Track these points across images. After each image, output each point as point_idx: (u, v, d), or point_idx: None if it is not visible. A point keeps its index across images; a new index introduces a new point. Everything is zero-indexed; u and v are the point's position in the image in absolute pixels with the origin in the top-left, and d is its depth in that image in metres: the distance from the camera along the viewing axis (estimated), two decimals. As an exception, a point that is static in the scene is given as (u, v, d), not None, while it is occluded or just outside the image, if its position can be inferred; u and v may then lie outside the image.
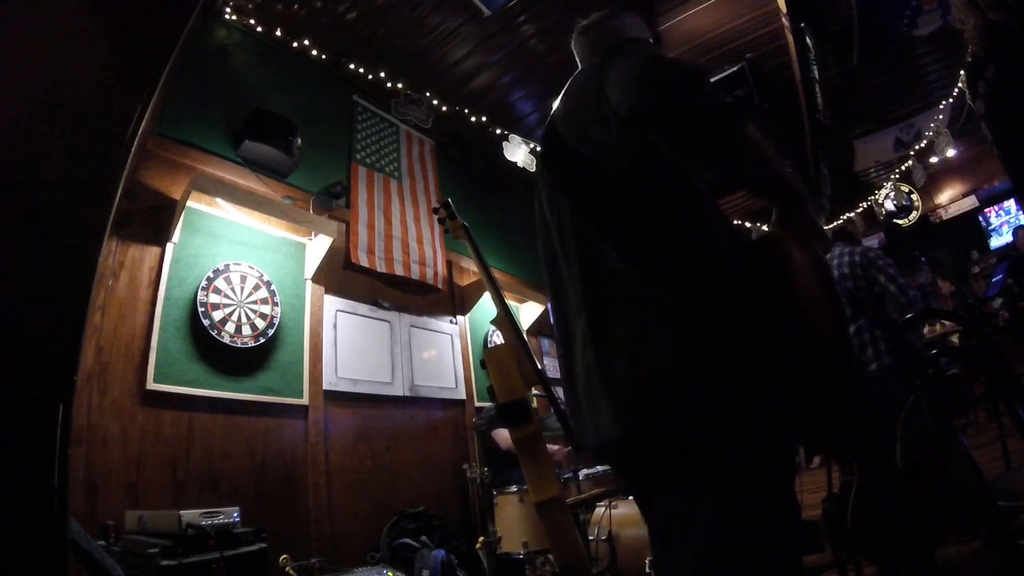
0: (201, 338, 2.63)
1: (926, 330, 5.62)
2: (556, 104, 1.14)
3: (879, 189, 7.68)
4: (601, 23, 1.26)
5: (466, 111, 4.57)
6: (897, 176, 7.28)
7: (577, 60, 1.30)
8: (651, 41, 1.27)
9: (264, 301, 2.96)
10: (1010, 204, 7.19)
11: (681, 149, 0.87)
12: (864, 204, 7.91)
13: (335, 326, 3.35)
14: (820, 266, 0.85)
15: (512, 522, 2.30)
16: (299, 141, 3.34)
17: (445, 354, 4.11)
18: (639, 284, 0.86)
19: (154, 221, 2.64)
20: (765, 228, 7.10)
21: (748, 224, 7.08)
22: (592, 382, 0.91)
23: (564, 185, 1.02)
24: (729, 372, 0.79)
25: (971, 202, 7.49)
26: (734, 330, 0.80)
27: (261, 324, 2.90)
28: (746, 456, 0.81)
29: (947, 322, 4.63)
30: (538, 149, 1.21)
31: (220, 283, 2.79)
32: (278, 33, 3.64)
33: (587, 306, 0.93)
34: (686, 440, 0.82)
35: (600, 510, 2.57)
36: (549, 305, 1.19)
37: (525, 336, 2.95)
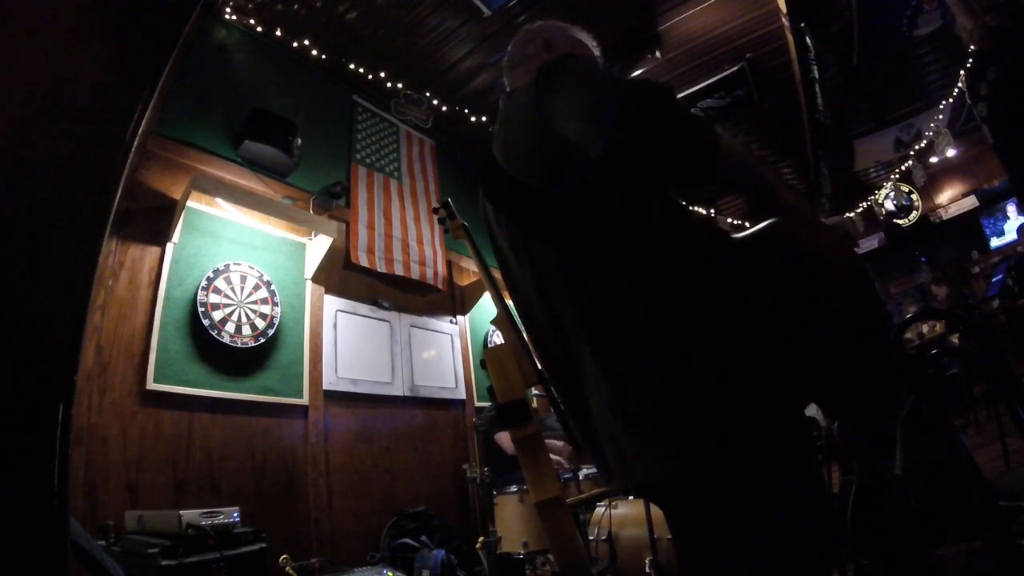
0: (201, 338, 2.63)
1: (926, 329, 5.60)
2: (494, 134, 1.06)
3: (879, 189, 7.68)
4: (533, 37, 1.18)
5: (466, 111, 4.57)
6: (897, 176, 7.27)
7: (506, 81, 1.23)
8: (589, 51, 1.19)
9: (264, 301, 2.96)
10: (1011, 209, 7.19)
11: (668, 173, 0.86)
12: (864, 204, 7.91)
13: (335, 326, 3.35)
14: (832, 237, 0.83)
15: (512, 522, 2.30)
16: (299, 141, 3.34)
17: (445, 354, 4.11)
18: (653, 317, 0.82)
19: (154, 221, 2.64)
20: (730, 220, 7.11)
21: (741, 221, 7.07)
22: (616, 421, 0.87)
23: (544, 234, 0.94)
24: (766, 398, 0.77)
25: (971, 202, 7.48)
26: (760, 350, 0.78)
27: (261, 324, 2.90)
28: (799, 488, 0.80)
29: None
30: (485, 192, 1.14)
31: (220, 283, 2.79)
32: (278, 33, 3.64)
33: (595, 345, 0.88)
34: (735, 478, 0.80)
35: (600, 510, 2.57)
36: (531, 346, 1.13)
37: (525, 336, 2.95)
